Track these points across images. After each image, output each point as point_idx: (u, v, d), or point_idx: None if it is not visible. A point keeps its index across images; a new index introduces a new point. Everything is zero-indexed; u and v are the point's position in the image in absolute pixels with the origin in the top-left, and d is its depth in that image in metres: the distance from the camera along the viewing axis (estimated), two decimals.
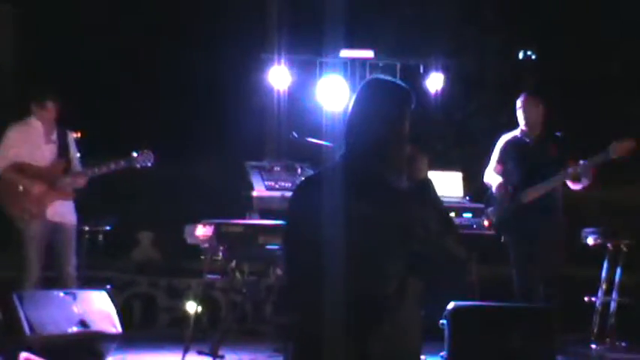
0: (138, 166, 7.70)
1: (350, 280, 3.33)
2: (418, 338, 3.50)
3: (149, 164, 7.71)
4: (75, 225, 7.81)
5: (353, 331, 3.33)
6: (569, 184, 7.82)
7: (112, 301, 7.31)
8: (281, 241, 3.75)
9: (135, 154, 7.68)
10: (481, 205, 8.30)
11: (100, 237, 8.28)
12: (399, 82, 3.63)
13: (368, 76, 9.79)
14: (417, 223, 3.40)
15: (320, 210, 3.43)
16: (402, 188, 3.48)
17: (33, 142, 7.74)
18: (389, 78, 3.68)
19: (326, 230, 3.39)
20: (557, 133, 8.02)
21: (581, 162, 7.72)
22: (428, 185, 3.55)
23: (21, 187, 7.60)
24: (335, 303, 3.35)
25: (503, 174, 8.01)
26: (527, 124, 7.94)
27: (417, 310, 3.45)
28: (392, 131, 3.50)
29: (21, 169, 7.67)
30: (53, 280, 7.69)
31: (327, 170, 3.58)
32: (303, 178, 4.07)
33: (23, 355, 6.53)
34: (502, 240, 8.00)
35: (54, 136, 7.79)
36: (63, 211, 7.71)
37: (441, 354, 6.75)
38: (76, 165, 7.84)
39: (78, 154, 7.92)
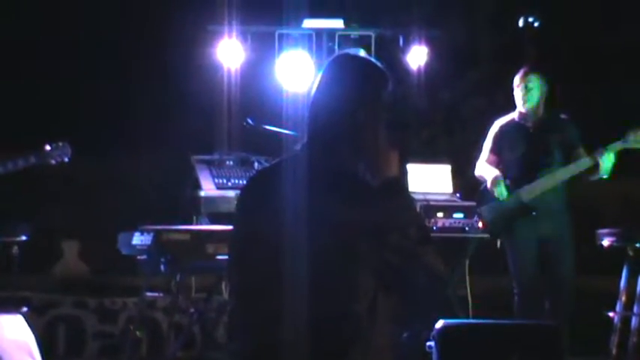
0: (52, 162, 7.65)
1: (313, 296, 3.31)
2: None
3: (66, 159, 7.67)
4: None
5: (318, 358, 3.32)
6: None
7: (30, 326, 7.27)
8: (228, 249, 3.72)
9: (48, 148, 7.64)
10: (474, 203, 8.34)
11: (15, 249, 8.24)
12: (373, 59, 3.62)
13: (337, 52, 9.85)
14: (392, 226, 3.37)
15: (275, 210, 3.41)
16: (375, 185, 3.47)
17: None
18: (361, 54, 3.67)
19: (282, 234, 3.37)
20: (563, 116, 8.07)
21: (599, 151, 7.78)
22: (399, 184, 3.53)
23: None
24: (295, 324, 3.33)
25: (498, 166, 8.05)
26: (526, 105, 7.98)
27: (389, 332, 3.44)
28: (365, 117, 3.49)
29: None
30: None
31: (285, 162, 3.55)
32: (255, 172, 4.05)
33: None
34: (498, 245, 8.05)
35: None
36: None
37: None
38: None
39: None
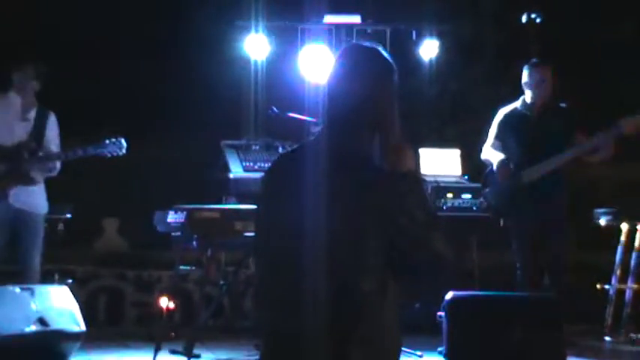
0: (108, 155, 7.69)
1: (327, 271, 3.29)
2: (398, 341, 3.47)
3: (121, 153, 7.71)
4: (42, 214, 7.80)
5: (331, 331, 3.30)
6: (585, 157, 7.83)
7: (74, 296, 7.32)
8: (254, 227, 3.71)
9: (107, 142, 7.68)
10: (480, 185, 8.33)
11: (60, 226, 8.29)
12: (380, 49, 3.60)
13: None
14: (400, 209, 3.33)
15: (295, 191, 3.39)
16: (387, 169, 3.42)
17: (6, 120, 7.71)
18: (371, 44, 3.65)
19: (302, 214, 3.35)
20: (562, 105, 8.02)
21: (597, 137, 7.73)
22: (416, 177, 3.47)
23: None
24: (310, 297, 3.31)
25: (502, 151, 8.01)
26: (534, 95, 7.91)
27: (395, 311, 3.40)
28: (381, 101, 3.46)
29: None
30: (17, 274, 7.70)
31: (304, 147, 3.53)
32: (277, 156, 4.01)
33: None
34: (501, 224, 8.03)
35: (31, 114, 7.76)
36: (28, 198, 7.69)
37: (439, 349, 6.81)
38: (52, 150, 7.79)
39: (58, 140, 7.85)
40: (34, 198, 7.73)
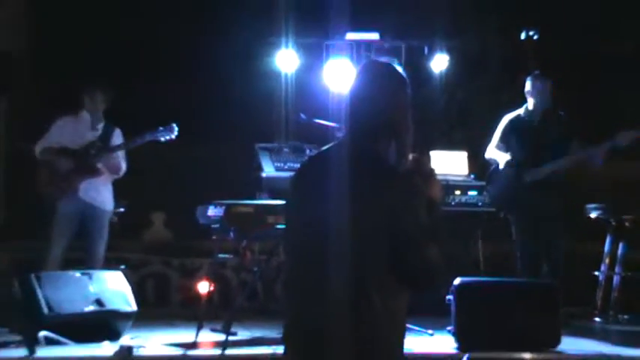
0: (162, 139, 7.74)
1: (344, 262, 3.27)
2: (402, 324, 3.43)
3: (173, 137, 7.74)
4: (108, 210, 7.86)
5: (345, 315, 3.28)
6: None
7: (127, 280, 7.35)
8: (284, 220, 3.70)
9: (160, 128, 7.73)
10: (484, 183, 8.31)
11: (115, 219, 8.31)
12: (394, 64, 3.59)
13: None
14: (407, 207, 3.30)
15: (319, 190, 3.38)
16: (400, 170, 3.42)
17: (78, 131, 7.81)
18: (386, 60, 3.64)
19: (325, 210, 3.33)
20: (561, 113, 7.99)
21: (590, 149, 7.70)
22: (435, 184, 3.46)
23: (54, 167, 7.67)
24: (329, 284, 3.30)
25: (506, 152, 7.98)
26: (536, 103, 7.89)
27: (403, 297, 3.37)
28: (397, 110, 3.46)
29: (55, 149, 7.74)
30: (81, 261, 7.74)
31: (329, 151, 3.53)
32: (306, 158, 4.01)
33: (42, 333, 6.59)
34: (502, 216, 8.01)
35: (99, 126, 7.85)
36: (97, 193, 7.76)
37: (448, 329, 6.78)
38: (115, 159, 7.83)
39: (121, 152, 7.89)
40: (102, 195, 7.79)
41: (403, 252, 3.28)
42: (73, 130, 7.81)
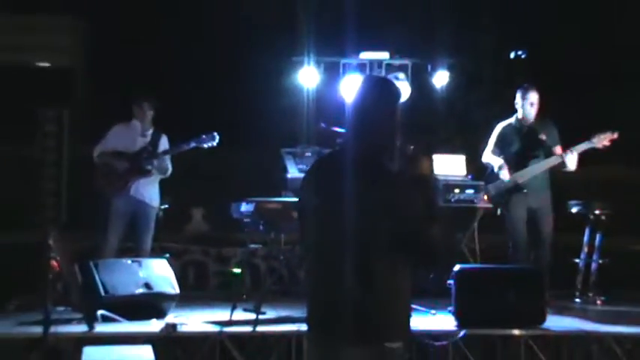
0: (205, 146, 7.75)
1: (351, 249, 3.29)
2: (407, 302, 3.44)
3: (214, 144, 7.76)
4: (155, 207, 7.89)
5: (356, 294, 3.30)
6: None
7: (171, 267, 7.39)
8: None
9: (203, 136, 7.75)
10: (481, 183, 8.30)
11: (160, 213, 8.34)
12: (389, 78, 3.60)
13: (384, 75, 9.80)
14: (402, 202, 3.31)
15: (327, 185, 3.40)
16: (394, 169, 3.43)
17: (131, 137, 7.85)
18: (381, 75, 3.65)
19: (331, 203, 3.35)
20: (548, 120, 8.00)
21: (569, 150, 7.71)
22: (427, 181, 3.47)
23: (109, 168, 7.71)
24: (339, 268, 3.32)
25: (499, 156, 7.99)
26: (525, 113, 7.89)
27: (406, 280, 3.38)
28: (387, 121, 3.47)
29: (110, 153, 7.78)
30: (132, 250, 7.78)
31: (335, 153, 3.55)
32: (315, 160, 4.01)
33: (99, 312, 6.64)
34: (498, 213, 8.01)
35: (148, 133, 7.88)
36: (146, 191, 7.80)
37: (449, 309, 6.79)
38: (163, 162, 7.86)
39: (168, 156, 7.92)
40: (151, 192, 7.83)
41: (404, 236, 3.29)
42: (125, 137, 7.85)
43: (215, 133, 7.74)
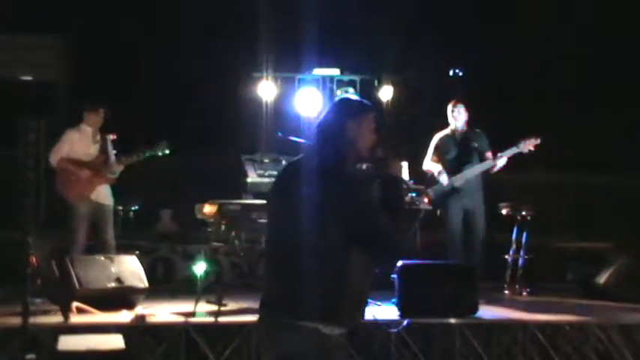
0: (159, 154, 7.73)
1: (305, 246, 3.28)
2: (362, 294, 3.42)
3: (167, 152, 7.75)
4: (112, 205, 7.86)
5: (309, 286, 3.29)
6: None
7: (140, 263, 7.36)
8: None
9: (156, 145, 7.74)
10: (422, 187, 8.38)
11: (131, 214, 8.29)
12: (363, 100, 3.61)
13: (335, 89, 9.87)
14: (362, 202, 3.31)
15: (291, 191, 3.39)
16: (354, 175, 3.44)
17: (84, 143, 7.79)
18: (356, 98, 3.67)
19: (293, 207, 3.35)
20: (478, 130, 8.14)
21: (498, 155, 7.87)
22: (395, 181, 3.49)
23: (73, 176, 7.65)
24: (294, 265, 3.31)
25: (438, 163, 8.11)
26: (458, 124, 8.03)
27: (359, 273, 3.35)
28: (355, 133, 3.49)
29: (72, 161, 7.72)
30: (96, 247, 7.73)
31: (299, 161, 3.54)
32: (282, 166, 4.02)
33: (74, 304, 6.60)
34: (438, 213, 8.09)
35: (98, 137, 7.84)
36: (104, 194, 7.77)
37: (393, 300, 6.84)
38: (112, 159, 7.88)
39: (114, 152, 7.95)
40: (107, 193, 7.80)
41: (359, 238, 3.31)
42: (79, 142, 7.76)
43: (164, 141, 7.71)
